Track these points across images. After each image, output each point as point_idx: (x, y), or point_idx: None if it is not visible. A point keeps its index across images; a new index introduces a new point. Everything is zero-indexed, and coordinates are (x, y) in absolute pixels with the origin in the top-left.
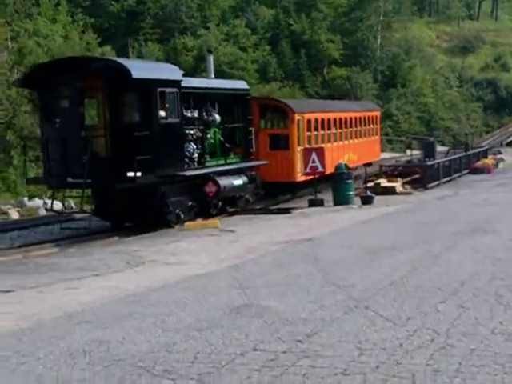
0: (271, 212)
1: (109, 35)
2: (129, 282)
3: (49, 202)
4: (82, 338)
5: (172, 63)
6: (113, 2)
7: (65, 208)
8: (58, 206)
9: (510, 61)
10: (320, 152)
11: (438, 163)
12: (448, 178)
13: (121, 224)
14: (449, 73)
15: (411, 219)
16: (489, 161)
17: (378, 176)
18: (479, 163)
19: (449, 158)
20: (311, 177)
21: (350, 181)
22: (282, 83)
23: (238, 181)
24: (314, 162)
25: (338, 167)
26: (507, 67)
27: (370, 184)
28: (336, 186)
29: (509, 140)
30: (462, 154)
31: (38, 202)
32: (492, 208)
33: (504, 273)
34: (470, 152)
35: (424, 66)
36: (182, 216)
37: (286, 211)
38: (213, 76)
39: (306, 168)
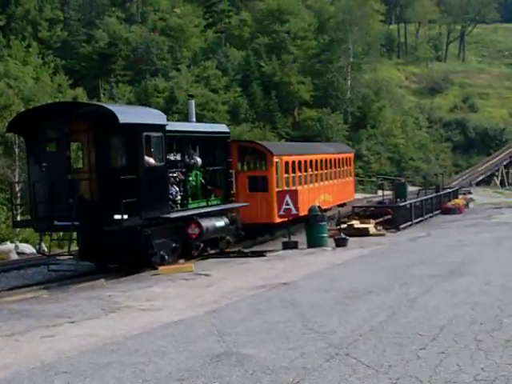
0: (246, 255)
1: (80, 77)
2: (105, 329)
3: (20, 245)
4: None
5: (143, 105)
6: (84, 44)
7: (38, 251)
8: (29, 249)
9: (478, 102)
10: (293, 195)
11: (410, 204)
12: (420, 219)
13: (105, 266)
14: (418, 113)
15: (386, 262)
16: (459, 201)
17: (350, 217)
18: (450, 203)
19: (420, 199)
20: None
21: (323, 223)
22: (253, 124)
23: (220, 222)
24: (287, 204)
25: (311, 209)
26: (475, 108)
27: (344, 225)
28: (310, 228)
29: (478, 180)
30: (433, 195)
31: (9, 245)
32: (466, 249)
33: (483, 317)
34: (441, 192)
35: (393, 107)
36: (167, 257)
37: (261, 254)
38: (194, 119)
39: (279, 210)
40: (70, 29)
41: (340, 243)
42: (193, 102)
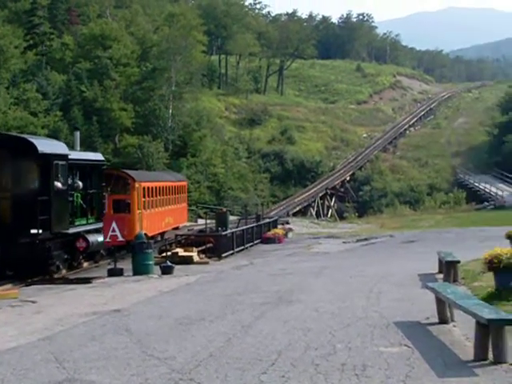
0: (71, 282)
1: None
2: None
3: None
4: None
5: None
6: None
7: None
8: None
9: (296, 134)
10: (121, 221)
11: (232, 233)
12: (241, 248)
13: (3, 274)
14: (238, 144)
15: (215, 289)
16: (279, 231)
17: (172, 245)
18: (270, 233)
19: (242, 228)
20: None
21: (149, 250)
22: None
23: (100, 238)
24: (114, 231)
25: (137, 236)
26: (292, 140)
27: (169, 253)
28: (135, 255)
29: (295, 210)
30: (254, 224)
31: None
32: (290, 278)
33: (316, 343)
34: (262, 222)
35: (214, 137)
36: (61, 267)
37: (87, 281)
38: (78, 148)
39: (105, 237)
40: None
41: (166, 271)
42: (78, 133)
